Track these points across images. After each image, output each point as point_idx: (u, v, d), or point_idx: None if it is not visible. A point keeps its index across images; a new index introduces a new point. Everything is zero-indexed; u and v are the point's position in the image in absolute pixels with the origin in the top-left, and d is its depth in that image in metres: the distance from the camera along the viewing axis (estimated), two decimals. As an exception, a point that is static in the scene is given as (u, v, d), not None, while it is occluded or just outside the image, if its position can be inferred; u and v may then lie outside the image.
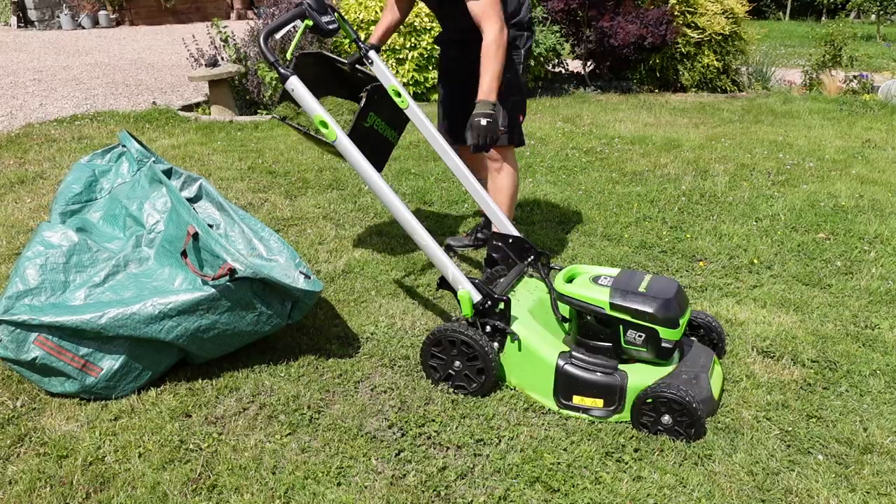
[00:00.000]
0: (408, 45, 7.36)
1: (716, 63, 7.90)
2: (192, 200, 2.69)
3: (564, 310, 2.43)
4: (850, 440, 2.13)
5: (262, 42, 2.36)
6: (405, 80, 7.34)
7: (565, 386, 2.24)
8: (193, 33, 8.70)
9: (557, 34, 7.97)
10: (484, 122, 2.58)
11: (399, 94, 2.82)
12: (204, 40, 7.88)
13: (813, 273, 3.29)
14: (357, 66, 3.06)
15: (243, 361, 2.54)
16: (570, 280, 2.34)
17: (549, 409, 2.28)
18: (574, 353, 2.26)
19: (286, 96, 2.91)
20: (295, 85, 2.42)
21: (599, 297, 2.20)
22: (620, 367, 2.22)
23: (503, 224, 2.74)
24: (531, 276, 2.69)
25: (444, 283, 2.41)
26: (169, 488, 1.93)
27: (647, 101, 7.64)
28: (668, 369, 2.22)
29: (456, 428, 2.18)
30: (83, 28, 16.06)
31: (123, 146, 2.81)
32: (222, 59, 7.18)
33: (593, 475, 1.99)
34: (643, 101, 7.64)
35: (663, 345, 2.17)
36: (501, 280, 2.59)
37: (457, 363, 2.33)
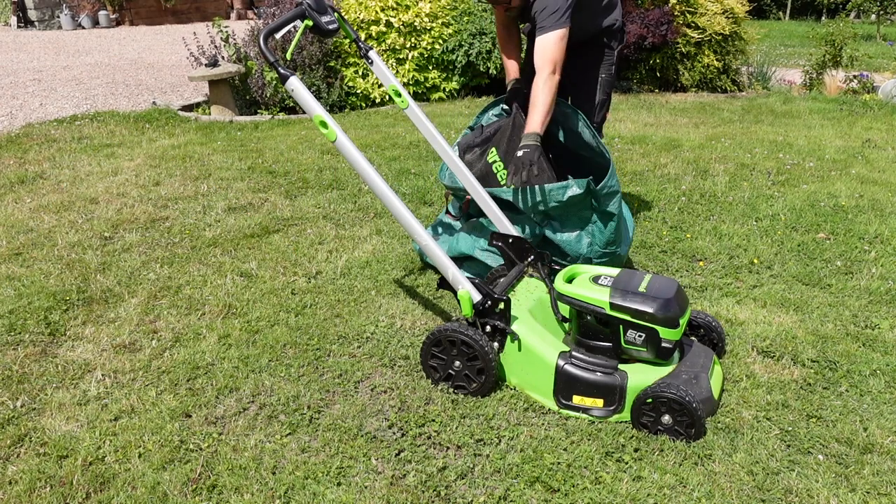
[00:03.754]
0: (408, 45, 7.36)
1: (716, 63, 7.90)
2: None
3: (564, 310, 2.43)
4: (850, 440, 2.13)
5: (261, 42, 2.36)
6: (405, 80, 7.34)
7: (565, 386, 2.24)
8: (194, 32, 8.70)
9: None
10: (521, 153, 2.76)
11: (399, 94, 2.82)
12: (204, 40, 7.88)
13: (813, 273, 3.29)
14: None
15: (243, 361, 2.55)
16: (570, 280, 2.34)
17: (549, 409, 2.28)
18: (574, 352, 2.26)
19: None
20: (294, 85, 2.42)
21: (599, 297, 2.20)
22: (620, 367, 2.22)
23: (503, 224, 2.74)
24: (531, 276, 2.69)
25: (444, 283, 2.42)
26: (169, 488, 1.93)
27: (648, 100, 7.64)
28: (668, 369, 2.22)
29: (456, 428, 2.18)
30: (83, 28, 16.07)
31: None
32: (222, 58, 7.18)
33: (593, 475, 1.99)
34: (643, 100, 7.64)
35: (663, 345, 2.17)
36: (501, 280, 2.59)
37: (457, 363, 2.33)
